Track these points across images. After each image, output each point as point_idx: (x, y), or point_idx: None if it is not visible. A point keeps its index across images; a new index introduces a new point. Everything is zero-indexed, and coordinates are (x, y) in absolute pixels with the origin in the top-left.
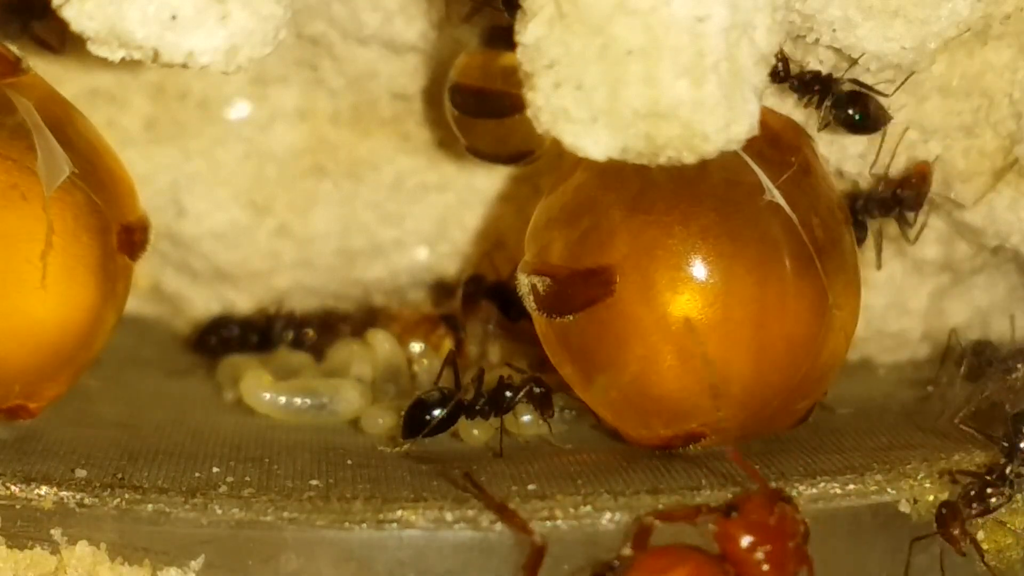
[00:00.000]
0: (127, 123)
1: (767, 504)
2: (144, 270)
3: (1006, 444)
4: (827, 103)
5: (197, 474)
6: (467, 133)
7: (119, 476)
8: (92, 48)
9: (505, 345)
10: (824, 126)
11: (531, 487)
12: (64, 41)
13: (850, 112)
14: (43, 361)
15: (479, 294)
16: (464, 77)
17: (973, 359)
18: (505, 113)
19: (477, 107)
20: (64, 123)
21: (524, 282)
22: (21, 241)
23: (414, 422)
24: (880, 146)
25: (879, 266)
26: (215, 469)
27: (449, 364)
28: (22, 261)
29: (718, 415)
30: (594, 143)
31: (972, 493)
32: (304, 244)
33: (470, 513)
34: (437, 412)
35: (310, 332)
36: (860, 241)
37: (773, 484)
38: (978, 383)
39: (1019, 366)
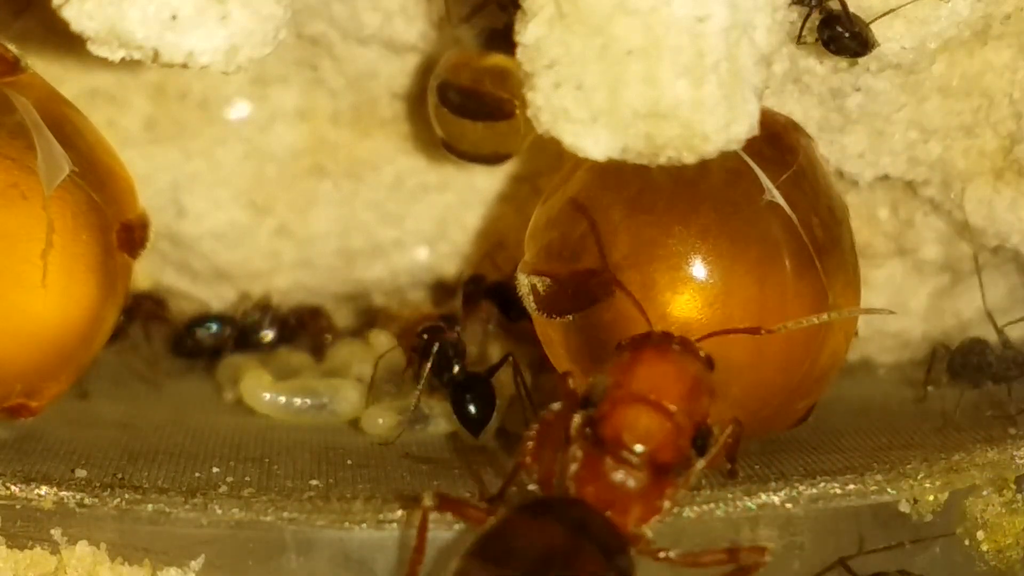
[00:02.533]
0: (127, 123)
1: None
2: (144, 270)
3: None
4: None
5: (197, 474)
6: (447, 129)
7: (119, 476)
8: (92, 48)
9: (505, 345)
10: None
11: (532, 487)
12: None
13: (838, 30)
14: (44, 360)
15: (479, 294)
16: (457, 75)
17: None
18: (495, 117)
19: (468, 107)
20: (63, 122)
21: (524, 282)
22: (21, 240)
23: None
24: None
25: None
26: (215, 469)
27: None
28: (22, 260)
29: None
30: (594, 143)
31: None
32: (304, 244)
33: None
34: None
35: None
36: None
37: None
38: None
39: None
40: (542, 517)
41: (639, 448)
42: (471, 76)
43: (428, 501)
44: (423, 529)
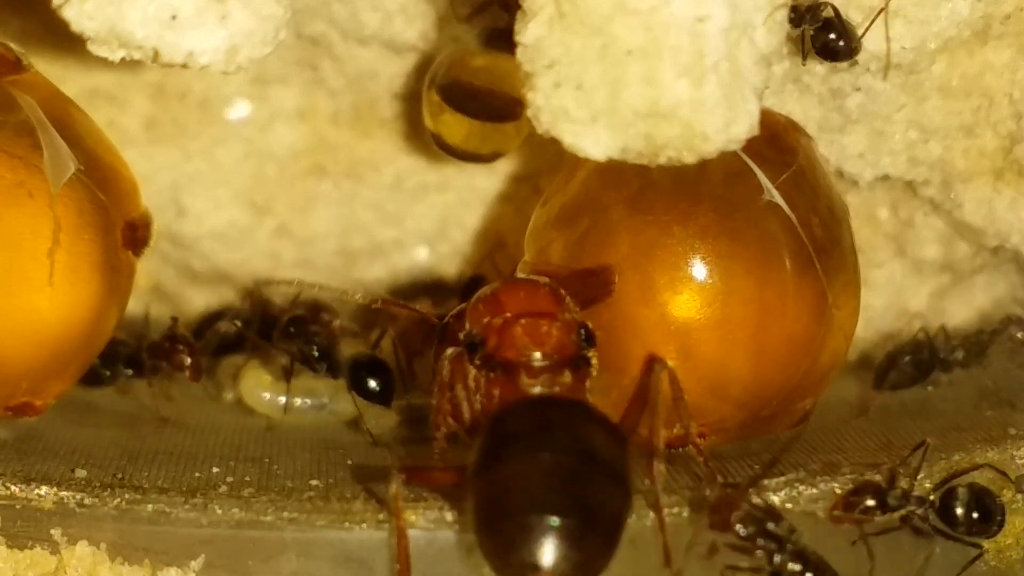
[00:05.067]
0: (127, 123)
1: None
2: (144, 270)
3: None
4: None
5: (197, 474)
6: (448, 127)
7: (119, 476)
8: (92, 48)
9: None
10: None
11: None
12: None
13: (832, 37)
14: (49, 358)
15: None
16: (460, 74)
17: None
18: (504, 117)
19: (477, 107)
20: (67, 120)
21: None
22: (27, 239)
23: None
24: None
25: None
26: (215, 469)
27: None
28: (28, 259)
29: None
30: (594, 143)
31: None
32: (304, 244)
33: None
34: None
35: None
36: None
37: None
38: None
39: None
40: (515, 418)
41: (539, 354)
42: (472, 75)
43: (396, 483)
44: (399, 511)
